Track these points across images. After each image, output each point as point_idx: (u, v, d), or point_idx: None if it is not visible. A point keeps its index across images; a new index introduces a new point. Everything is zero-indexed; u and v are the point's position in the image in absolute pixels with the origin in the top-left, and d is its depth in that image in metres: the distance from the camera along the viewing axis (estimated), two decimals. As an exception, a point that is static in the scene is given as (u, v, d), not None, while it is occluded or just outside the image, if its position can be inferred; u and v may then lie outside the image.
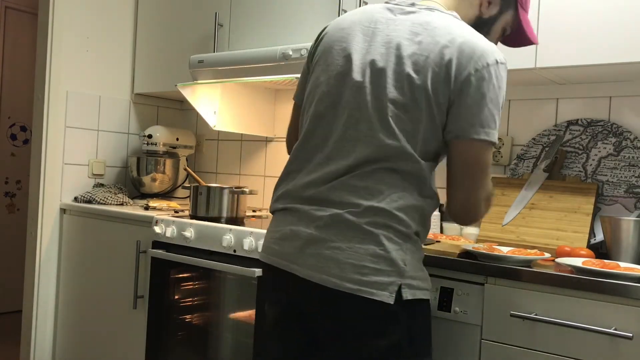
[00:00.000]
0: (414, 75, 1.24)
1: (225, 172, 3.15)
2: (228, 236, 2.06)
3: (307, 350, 1.35)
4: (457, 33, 1.27)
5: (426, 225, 1.33)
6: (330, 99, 1.33)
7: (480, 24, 1.42)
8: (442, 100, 1.24)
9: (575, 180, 1.95)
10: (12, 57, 4.41)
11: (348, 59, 1.32)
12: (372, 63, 1.28)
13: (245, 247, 2.00)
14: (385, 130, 1.25)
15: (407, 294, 1.23)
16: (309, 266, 1.25)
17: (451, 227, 2.11)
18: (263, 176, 2.97)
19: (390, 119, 1.25)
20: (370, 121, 1.26)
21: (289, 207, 1.34)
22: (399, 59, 1.26)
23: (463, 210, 1.32)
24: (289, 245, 1.30)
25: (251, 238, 2.00)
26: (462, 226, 2.10)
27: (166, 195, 3.07)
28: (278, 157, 2.90)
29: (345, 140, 1.29)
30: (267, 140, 2.96)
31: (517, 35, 1.53)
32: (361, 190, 1.25)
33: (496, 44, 1.48)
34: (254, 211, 2.74)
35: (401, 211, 1.24)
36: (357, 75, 1.29)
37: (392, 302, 1.21)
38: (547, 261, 1.60)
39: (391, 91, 1.25)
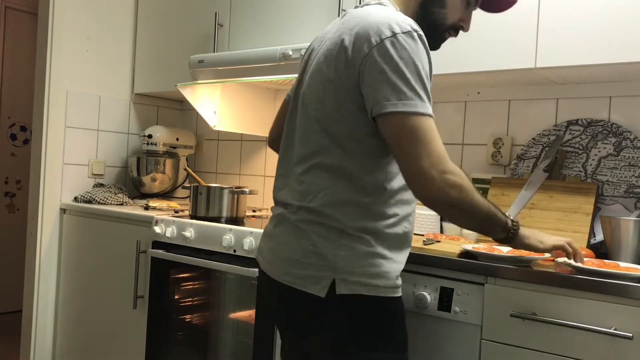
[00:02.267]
0: (324, 68, 1.31)
1: (225, 172, 3.15)
2: (228, 236, 2.06)
3: (288, 334, 1.44)
4: (362, 18, 1.29)
5: (378, 219, 1.29)
6: (291, 105, 1.46)
7: None
8: (349, 86, 1.26)
9: (575, 180, 1.95)
10: (12, 57, 4.41)
11: (306, 63, 1.44)
12: (312, 66, 1.38)
13: (245, 247, 1.99)
14: (310, 128, 1.33)
15: (342, 289, 1.25)
16: (267, 260, 1.39)
17: (451, 227, 2.11)
18: (263, 176, 2.96)
19: (313, 115, 1.32)
20: (301, 123, 1.36)
21: (273, 207, 1.48)
22: (319, 56, 1.35)
23: (412, 186, 1.23)
24: (262, 241, 1.46)
25: (251, 238, 1.99)
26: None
27: (166, 195, 3.07)
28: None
29: (288, 145, 1.42)
30: (267, 140, 2.95)
31: None
32: (297, 192, 1.34)
33: (465, 14, 1.45)
34: (254, 211, 2.74)
35: (329, 207, 1.28)
36: (303, 83, 1.40)
37: (323, 296, 1.25)
38: (547, 261, 1.60)
39: (311, 87, 1.34)
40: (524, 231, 1.36)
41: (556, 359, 1.42)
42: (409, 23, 1.25)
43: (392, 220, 1.31)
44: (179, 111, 3.37)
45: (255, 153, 3.01)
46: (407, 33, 1.23)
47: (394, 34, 1.22)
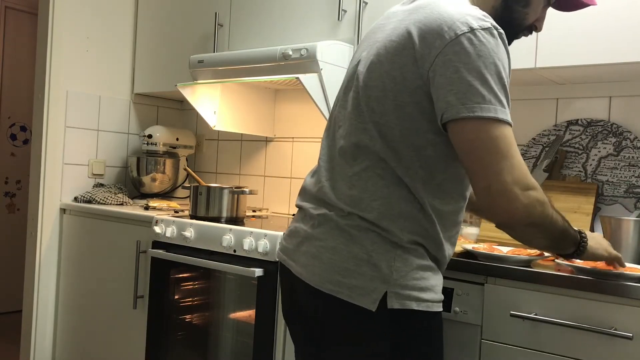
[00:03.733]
0: (385, 62, 1.17)
1: (225, 172, 3.15)
2: (228, 236, 2.06)
3: (307, 345, 1.31)
4: (432, 9, 1.16)
5: (432, 233, 1.20)
6: (338, 98, 1.34)
7: None
8: (413, 86, 1.14)
9: (575, 180, 1.95)
10: (12, 57, 4.41)
11: (355, 57, 1.32)
12: (370, 55, 1.25)
13: (245, 247, 1.99)
14: (362, 125, 1.20)
15: (394, 303, 1.15)
16: (301, 264, 1.25)
17: (451, 227, 2.11)
18: (263, 176, 2.97)
19: (368, 114, 1.20)
20: (353, 116, 1.23)
21: (300, 205, 1.34)
22: (380, 46, 1.22)
23: (491, 204, 1.10)
24: (290, 242, 1.31)
25: (251, 238, 1.99)
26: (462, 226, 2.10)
27: (166, 195, 3.07)
28: (278, 157, 2.90)
29: (334, 134, 1.29)
30: (267, 140, 2.96)
31: None
32: (348, 196, 1.21)
33: (542, 13, 1.34)
34: (254, 211, 2.74)
35: (386, 220, 1.17)
36: (351, 76, 1.29)
37: (373, 310, 1.14)
38: (547, 261, 1.60)
39: (367, 81, 1.21)
40: (590, 242, 1.29)
41: (556, 359, 1.42)
42: (488, 19, 1.13)
43: (444, 236, 1.23)
44: (179, 111, 3.37)
45: (255, 153, 3.01)
46: (487, 30, 1.11)
47: (472, 30, 1.09)
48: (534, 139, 2.10)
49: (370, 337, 1.17)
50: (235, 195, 2.33)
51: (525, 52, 1.81)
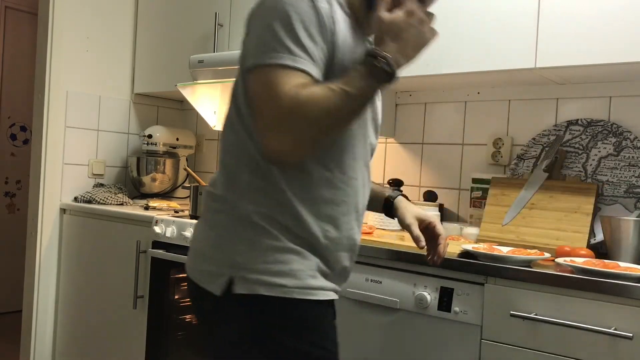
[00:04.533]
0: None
1: (225, 172, 3.14)
2: (228, 236, 2.06)
3: None
4: None
5: (286, 208, 1.11)
6: None
7: None
8: (243, 53, 1.17)
9: (575, 180, 1.95)
10: (12, 57, 4.41)
11: None
12: None
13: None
14: (228, 101, 1.22)
15: (240, 288, 1.09)
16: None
17: (451, 227, 2.11)
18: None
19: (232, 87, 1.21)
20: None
21: None
22: None
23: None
24: None
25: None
26: (462, 226, 2.10)
27: (166, 195, 3.07)
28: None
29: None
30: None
31: None
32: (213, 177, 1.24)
33: None
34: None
35: (230, 193, 1.14)
36: None
37: (218, 294, 1.11)
38: (547, 261, 1.60)
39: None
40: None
41: (556, 359, 1.42)
42: None
43: (307, 210, 1.13)
44: (179, 111, 3.37)
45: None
46: None
47: None
48: (533, 139, 2.10)
49: (218, 321, 1.15)
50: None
51: (525, 52, 1.81)
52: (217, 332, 1.17)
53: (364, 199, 1.27)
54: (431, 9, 1.18)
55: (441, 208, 2.23)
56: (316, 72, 1.06)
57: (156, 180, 2.96)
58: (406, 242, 1.81)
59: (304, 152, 1.04)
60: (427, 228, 1.38)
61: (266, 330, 1.10)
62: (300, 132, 1.01)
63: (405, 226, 1.38)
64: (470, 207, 2.20)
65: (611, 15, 1.69)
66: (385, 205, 1.45)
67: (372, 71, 1.03)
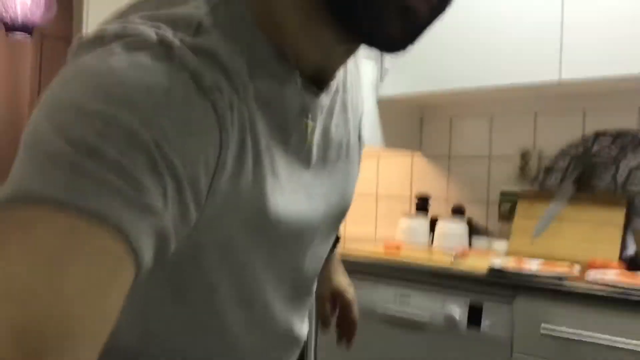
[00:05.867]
0: None
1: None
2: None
3: None
4: None
5: None
6: None
7: None
8: None
9: (605, 192, 1.93)
10: (48, 84, 4.54)
11: None
12: None
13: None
14: None
15: None
16: None
17: (480, 242, 2.10)
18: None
19: None
20: None
21: None
22: None
23: None
24: None
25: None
26: (491, 240, 2.10)
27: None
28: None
29: None
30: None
31: None
32: None
33: None
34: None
35: None
36: None
37: None
38: (579, 279, 1.58)
39: None
40: None
41: (589, 375, 1.40)
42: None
43: None
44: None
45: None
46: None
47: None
48: (562, 150, 2.08)
49: None
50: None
51: (549, 65, 1.80)
52: None
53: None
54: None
55: (469, 222, 2.21)
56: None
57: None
58: (435, 257, 1.81)
59: None
60: (342, 308, 1.05)
61: None
62: None
63: (316, 295, 1.00)
64: (499, 220, 2.19)
65: (636, 25, 1.68)
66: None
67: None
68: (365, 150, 0.80)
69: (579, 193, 1.95)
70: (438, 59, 1.98)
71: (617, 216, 1.83)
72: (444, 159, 2.43)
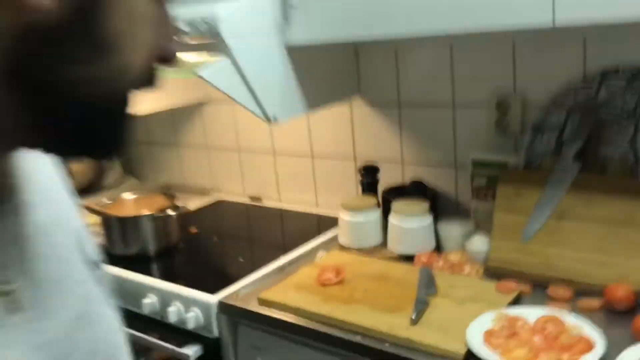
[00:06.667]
0: None
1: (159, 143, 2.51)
2: (150, 299, 1.52)
3: None
4: None
5: None
6: None
7: None
8: None
9: (620, 170, 1.34)
10: None
11: None
12: None
13: (172, 319, 1.46)
14: None
15: None
16: None
17: (450, 237, 1.55)
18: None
19: None
20: None
21: None
22: None
23: None
24: None
25: (178, 304, 1.45)
26: (464, 232, 1.54)
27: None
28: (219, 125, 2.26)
29: None
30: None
31: None
32: None
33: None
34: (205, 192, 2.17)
35: None
36: None
37: None
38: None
39: None
40: None
41: None
42: None
43: None
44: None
45: (190, 121, 2.36)
46: None
47: None
48: (555, 98, 1.46)
49: None
50: (161, 222, 1.73)
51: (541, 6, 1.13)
52: None
53: None
54: None
55: (434, 203, 1.62)
56: None
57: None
58: (390, 319, 1.26)
59: None
60: None
61: None
62: None
63: None
64: (473, 197, 1.61)
65: None
66: None
67: None
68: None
69: (583, 173, 1.36)
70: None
71: (642, 209, 1.26)
72: (393, 108, 1.78)
